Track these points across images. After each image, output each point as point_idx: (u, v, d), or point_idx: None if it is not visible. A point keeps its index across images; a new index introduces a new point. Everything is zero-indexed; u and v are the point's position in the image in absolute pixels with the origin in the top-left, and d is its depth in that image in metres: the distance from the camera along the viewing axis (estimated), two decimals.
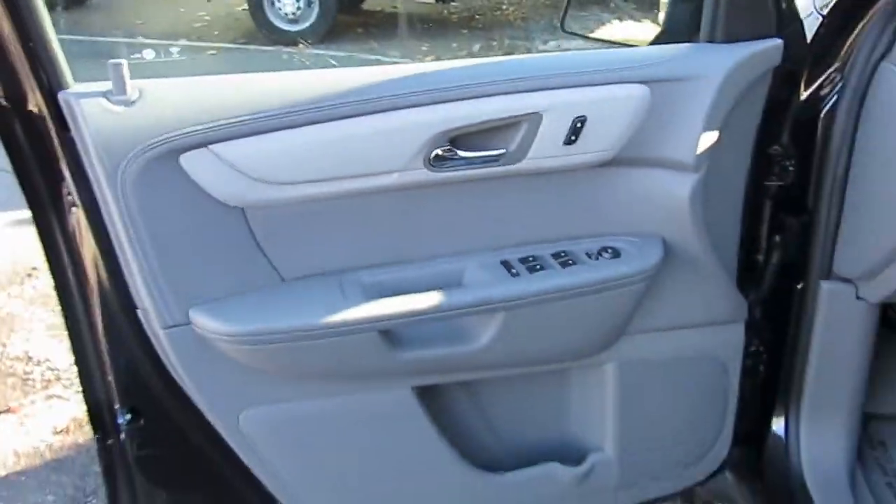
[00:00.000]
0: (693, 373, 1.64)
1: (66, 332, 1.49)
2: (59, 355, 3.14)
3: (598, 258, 1.43)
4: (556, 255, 1.42)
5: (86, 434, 2.78)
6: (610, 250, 1.44)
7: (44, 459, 2.68)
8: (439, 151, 1.30)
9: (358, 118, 1.27)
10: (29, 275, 3.70)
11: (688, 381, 1.65)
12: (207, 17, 8.48)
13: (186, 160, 1.21)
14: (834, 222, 1.59)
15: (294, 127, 1.24)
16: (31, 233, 1.38)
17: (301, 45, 7.53)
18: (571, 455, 1.63)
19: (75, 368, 1.51)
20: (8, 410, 2.90)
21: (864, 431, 1.99)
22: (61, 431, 2.80)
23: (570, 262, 1.41)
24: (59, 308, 1.45)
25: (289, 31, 7.74)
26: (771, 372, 1.80)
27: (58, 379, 3.04)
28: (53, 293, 1.44)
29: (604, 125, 1.36)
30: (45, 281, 3.62)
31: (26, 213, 1.36)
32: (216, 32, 8.26)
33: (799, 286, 1.68)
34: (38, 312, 3.42)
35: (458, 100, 1.30)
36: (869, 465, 1.90)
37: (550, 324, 1.43)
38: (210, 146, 1.21)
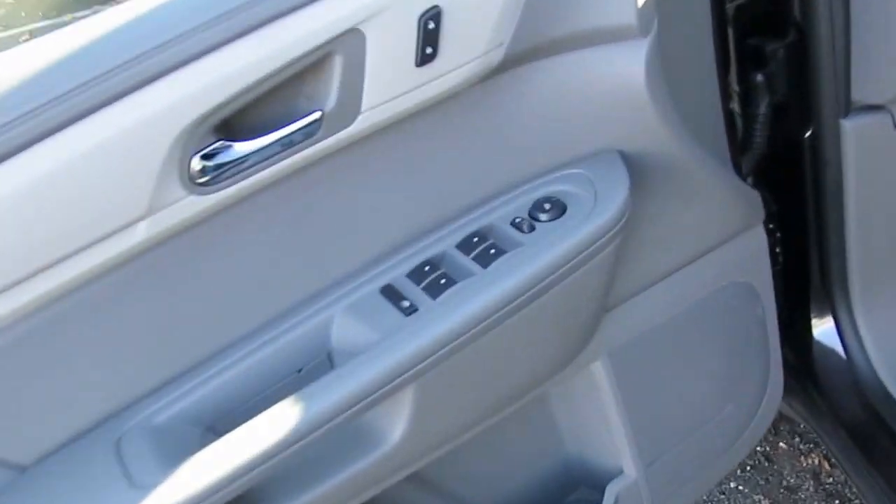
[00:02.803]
0: (708, 322, 1.16)
1: None
2: None
3: (531, 226, 0.88)
4: (464, 246, 0.87)
5: None
6: (547, 205, 0.89)
7: None
8: (201, 159, 0.72)
9: (34, 149, 0.67)
10: None
11: (706, 339, 1.16)
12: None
13: None
14: (841, 34, 1.09)
15: None
16: None
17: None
18: (582, 495, 1.14)
19: None
20: None
21: None
22: None
23: (491, 250, 0.86)
24: None
25: None
26: (791, 257, 1.32)
27: None
28: None
29: (473, 11, 0.79)
30: None
31: None
32: (24, 14, 7.19)
33: (807, 134, 1.20)
34: None
35: (204, 55, 0.71)
36: None
37: (487, 365, 0.90)
38: None
